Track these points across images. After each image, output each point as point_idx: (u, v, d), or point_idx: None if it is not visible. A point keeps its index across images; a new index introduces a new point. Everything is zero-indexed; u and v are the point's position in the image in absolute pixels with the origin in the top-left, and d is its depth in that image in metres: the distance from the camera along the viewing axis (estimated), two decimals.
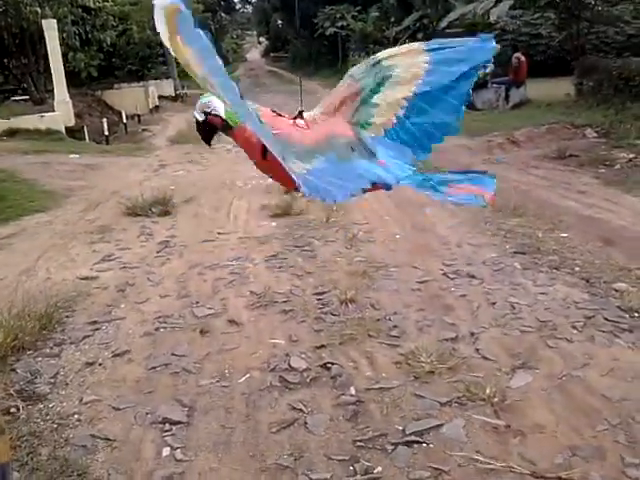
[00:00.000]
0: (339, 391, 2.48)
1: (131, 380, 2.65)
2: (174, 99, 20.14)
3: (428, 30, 22.50)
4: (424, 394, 2.41)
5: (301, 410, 2.35)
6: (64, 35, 13.55)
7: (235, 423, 2.30)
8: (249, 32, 61.02)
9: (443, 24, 19.97)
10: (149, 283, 3.82)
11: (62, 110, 11.86)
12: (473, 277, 3.60)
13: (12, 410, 2.42)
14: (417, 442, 2.13)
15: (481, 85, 11.95)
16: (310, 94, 20.86)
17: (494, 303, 3.23)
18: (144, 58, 21.02)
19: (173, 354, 2.86)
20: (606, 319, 2.96)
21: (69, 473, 2.05)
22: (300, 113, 1.96)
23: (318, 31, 27.49)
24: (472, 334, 2.89)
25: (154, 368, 2.74)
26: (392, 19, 24.05)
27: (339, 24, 26.30)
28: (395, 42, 23.19)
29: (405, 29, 22.81)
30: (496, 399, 2.33)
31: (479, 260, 3.87)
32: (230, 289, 3.65)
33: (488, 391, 2.36)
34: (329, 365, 2.67)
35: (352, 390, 2.47)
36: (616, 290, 3.28)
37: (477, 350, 2.73)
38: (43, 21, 12.05)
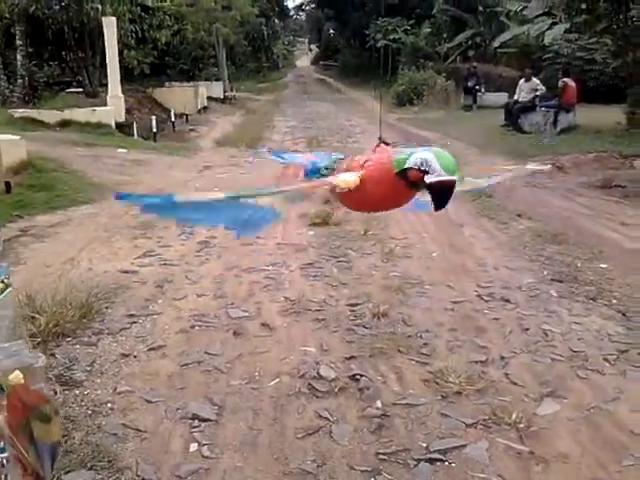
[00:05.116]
0: (365, 403, 2.50)
1: (164, 375, 2.73)
2: (222, 101, 20.47)
3: (480, 48, 22.46)
4: (450, 414, 2.42)
5: (327, 419, 2.38)
6: (121, 32, 13.93)
7: (262, 425, 2.35)
8: (300, 39, 61.61)
9: (496, 44, 19.91)
10: (187, 281, 3.91)
11: (114, 105, 12.17)
12: (507, 301, 3.58)
13: (50, 394, 2.51)
14: (440, 460, 2.14)
15: (529, 108, 11.87)
16: (357, 104, 20.98)
17: (527, 329, 3.21)
18: (196, 58, 21.48)
19: (206, 352, 2.93)
20: None
21: (100, 458, 2.12)
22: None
23: (369, 42, 27.61)
24: (502, 358, 2.88)
25: (187, 365, 2.82)
26: (444, 35, 24.07)
27: (391, 37, 26.37)
28: (446, 58, 23.22)
29: (457, 46, 22.82)
30: (522, 425, 2.32)
31: (515, 284, 3.85)
32: (265, 293, 3.72)
33: (514, 416, 2.36)
34: (357, 377, 2.70)
35: (378, 403, 2.50)
36: None
37: (506, 374, 2.73)
38: (103, 18, 12.44)
